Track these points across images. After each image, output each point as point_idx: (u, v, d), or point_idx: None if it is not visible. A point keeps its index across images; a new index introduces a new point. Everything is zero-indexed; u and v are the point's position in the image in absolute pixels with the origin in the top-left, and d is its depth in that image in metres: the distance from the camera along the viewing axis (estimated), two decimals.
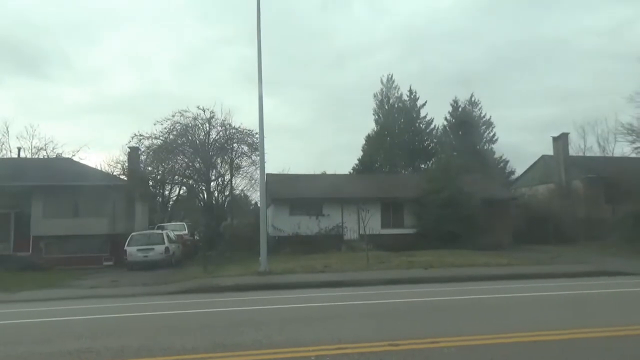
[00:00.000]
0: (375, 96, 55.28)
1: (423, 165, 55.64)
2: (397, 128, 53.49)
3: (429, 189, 28.01)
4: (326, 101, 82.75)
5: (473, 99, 55.24)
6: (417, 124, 54.65)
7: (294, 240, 26.45)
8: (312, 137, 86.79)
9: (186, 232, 27.42)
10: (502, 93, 76.89)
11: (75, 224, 24.96)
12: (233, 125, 25.87)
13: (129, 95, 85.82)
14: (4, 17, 79.75)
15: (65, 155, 34.25)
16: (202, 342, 6.43)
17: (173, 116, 24.92)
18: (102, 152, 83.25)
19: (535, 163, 35.75)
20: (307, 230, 27.01)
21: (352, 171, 52.25)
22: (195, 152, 25.63)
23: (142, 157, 26.97)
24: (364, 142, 54.50)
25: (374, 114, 55.03)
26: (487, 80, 78.37)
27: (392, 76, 54.99)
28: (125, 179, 27.32)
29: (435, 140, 55.32)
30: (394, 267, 17.95)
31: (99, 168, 33.01)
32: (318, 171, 47.76)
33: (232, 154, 26.62)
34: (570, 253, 22.74)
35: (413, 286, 13.30)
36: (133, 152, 27.22)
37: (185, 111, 25.00)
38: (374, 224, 28.38)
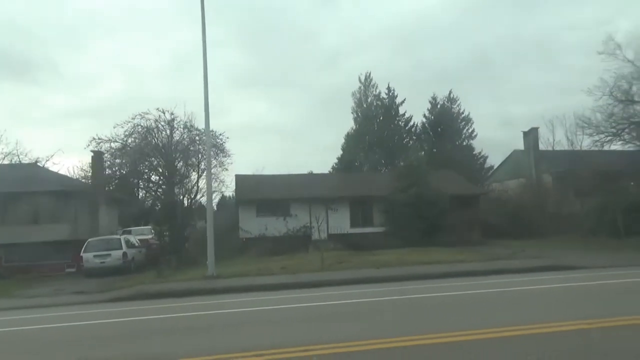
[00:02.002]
0: (353, 95, 55.06)
1: (402, 163, 55.59)
2: (375, 126, 53.30)
3: (396, 186, 27.74)
4: (315, 101, 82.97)
5: (452, 95, 55.15)
6: (396, 122, 54.49)
7: (261, 242, 26.12)
8: (302, 137, 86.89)
9: (152, 236, 26.97)
10: (483, 89, 77.02)
11: (35, 230, 24.42)
12: (196, 127, 25.47)
13: (114, 99, 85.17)
14: None
15: (41, 160, 33.66)
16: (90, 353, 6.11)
17: (133, 119, 24.50)
18: (80, 156, 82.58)
19: (507, 158, 35.63)
20: (275, 232, 26.68)
21: (331, 170, 52.08)
22: (158, 154, 25.19)
23: (107, 161, 26.46)
24: (343, 141, 54.45)
25: (352, 113, 54.83)
26: (467, 78, 78.37)
27: (369, 74, 54.79)
28: (90, 183, 26.75)
29: (414, 138, 55.22)
30: (351, 267, 17.64)
31: (71, 173, 32.47)
32: (305, 171, 47.58)
33: (198, 157, 26.20)
34: (534, 248, 22.53)
35: (361, 286, 13.02)
36: (97, 156, 26.72)
37: (146, 113, 24.59)
38: (342, 223, 28.25)
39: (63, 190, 24.80)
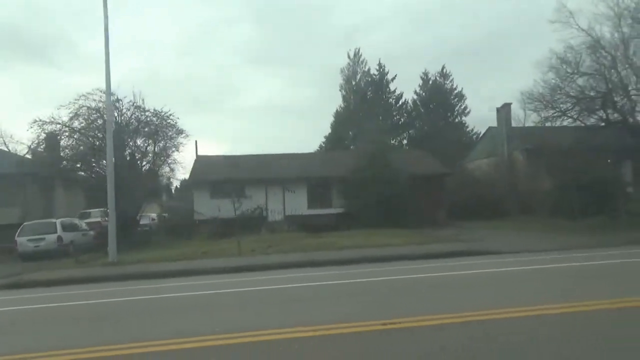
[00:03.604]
0: (342, 71, 53.75)
1: (393, 141, 54.33)
2: (365, 103, 52.02)
3: (355, 167, 26.85)
4: (326, 79, 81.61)
5: (445, 70, 53.48)
6: (386, 99, 53.14)
7: (214, 224, 25.63)
8: (315, 117, 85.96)
9: (102, 218, 26.65)
10: (480, 64, 74.67)
11: None
12: (145, 108, 24.91)
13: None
14: None
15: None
16: None
17: (77, 100, 24.00)
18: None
19: (483, 135, 34.24)
20: (228, 213, 26.13)
21: (319, 149, 51.20)
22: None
23: (61, 142, 26.15)
24: (332, 119, 53.35)
25: (340, 90, 53.59)
26: (463, 53, 75.80)
27: (359, 50, 53.31)
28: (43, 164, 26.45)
29: (405, 115, 53.87)
30: (278, 252, 17.01)
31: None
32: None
33: (154, 138, 25.73)
34: (484, 230, 21.72)
35: (275, 272, 12.47)
36: (50, 137, 26.35)
37: (90, 94, 24.06)
38: (300, 204, 27.58)
39: (11, 172, 24.59)
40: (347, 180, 26.58)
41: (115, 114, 24.53)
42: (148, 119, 25.60)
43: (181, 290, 10.19)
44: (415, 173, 27.23)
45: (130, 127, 25.34)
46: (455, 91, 52.81)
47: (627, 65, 18.42)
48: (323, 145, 51.50)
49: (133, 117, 25.24)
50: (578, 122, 20.74)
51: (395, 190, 25.26)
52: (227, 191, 26.53)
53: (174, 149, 26.61)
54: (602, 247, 15.04)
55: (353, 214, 26.26)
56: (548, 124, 22.58)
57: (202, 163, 28.77)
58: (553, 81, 19.76)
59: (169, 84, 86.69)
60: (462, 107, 52.78)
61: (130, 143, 25.30)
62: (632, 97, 18.92)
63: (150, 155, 26.53)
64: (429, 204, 27.20)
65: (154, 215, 33.47)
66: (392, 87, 53.36)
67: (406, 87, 71.20)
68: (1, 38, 79.26)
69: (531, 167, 26.69)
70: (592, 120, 20.68)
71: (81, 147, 25.37)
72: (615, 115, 19.61)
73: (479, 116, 73.54)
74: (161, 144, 27.00)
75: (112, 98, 23.53)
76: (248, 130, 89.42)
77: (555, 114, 21.30)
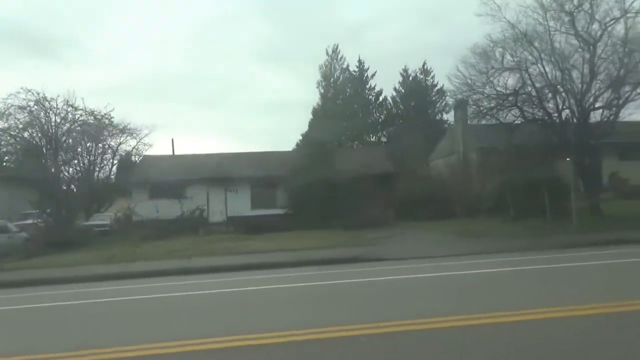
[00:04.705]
0: (320, 68, 52.73)
1: (373, 138, 53.30)
2: (343, 100, 51.05)
3: (298, 166, 26.04)
4: None
5: (425, 67, 52.30)
6: (365, 96, 52.11)
7: (151, 226, 24.97)
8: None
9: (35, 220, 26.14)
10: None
11: None
12: (76, 106, 24.33)
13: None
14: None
15: None
16: None
17: (6, 98, 23.51)
18: None
19: (444, 133, 33.12)
20: (168, 214, 25.49)
21: (296, 147, 50.35)
22: (42, 135, 24.22)
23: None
24: (311, 116, 52.43)
25: (317, 87, 52.62)
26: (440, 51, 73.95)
27: (337, 47, 52.25)
28: None
29: (385, 112, 52.81)
30: (173, 257, 16.22)
31: None
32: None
33: (82, 138, 25.19)
34: (419, 231, 20.79)
35: (129, 282, 11.73)
36: None
37: (19, 93, 23.56)
38: (243, 205, 26.85)
39: None
40: (288, 180, 25.80)
41: (46, 114, 24.05)
42: (82, 119, 25.07)
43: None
44: (364, 173, 26.32)
45: (63, 128, 24.78)
46: (436, 88, 51.59)
47: (552, 59, 17.34)
48: (300, 143, 50.63)
49: (68, 116, 24.69)
50: (509, 119, 19.51)
51: (335, 191, 24.44)
52: (168, 192, 25.91)
53: (119, 147, 26.10)
54: (520, 251, 13.99)
55: (295, 215, 25.49)
56: (476, 122, 21.50)
57: (149, 163, 28.13)
58: (473, 77, 18.66)
59: (174, 80, 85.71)
60: (443, 104, 51.48)
61: (64, 145, 24.72)
62: (562, 93, 17.83)
63: (86, 155, 26.03)
64: (378, 204, 26.30)
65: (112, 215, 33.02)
66: (372, 83, 52.29)
67: (387, 84, 68.89)
68: (7, 32, 78.89)
69: (482, 167, 25.65)
70: (510, 118, 19.52)
71: (18, 147, 24.96)
72: (541, 112, 18.52)
73: None
74: (102, 145, 26.54)
75: (39, 96, 23.18)
76: (252, 127, 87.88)
77: (477, 112, 20.26)
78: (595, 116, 18.64)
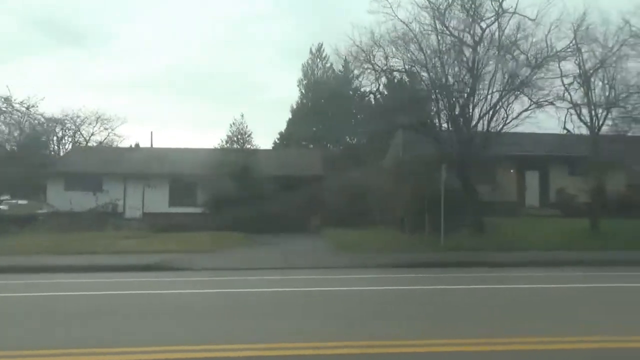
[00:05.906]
0: (302, 67, 51.43)
1: (355, 140, 51.64)
2: (324, 100, 49.63)
3: (218, 166, 24.99)
4: None
5: (411, 68, 50.25)
6: (348, 96, 50.54)
7: (61, 218, 24.31)
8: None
9: None
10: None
11: None
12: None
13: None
14: None
15: None
16: None
17: None
18: None
19: (394, 138, 31.19)
20: (80, 207, 24.77)
21: (273, 146, 49.31)
22: None
23: None
24: (290, 115, 51.19)
25: (298, 85, 51.33)
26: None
27: (321, 45, 50.88)
28: None
29: (368, 113, 51.09)
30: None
31: None
32: None
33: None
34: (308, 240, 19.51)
35: None
36: None
37: None
38: (161, 201, 25.97)
39: None
40: (207, 179, 24.80)
41: None
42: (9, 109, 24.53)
43: None
44: (288, 175, 25.12)
45: None
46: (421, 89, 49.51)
47: (441, 64, 15.69)
48: (277, 141, 49.60)
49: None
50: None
51: (250, 193, 23.30)
52: (85, 184, 25.24)
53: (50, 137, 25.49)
54: (347, 268, 12.77)
55: (212, 215, 24.49)
56: None
57: (75, 153, 27.55)
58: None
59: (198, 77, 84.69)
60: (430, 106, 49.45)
61: None
62: (454, 100, 16.11)
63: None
64: (302, 208, 25.05)
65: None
66: (355, 83, 50.59)
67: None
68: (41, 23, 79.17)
69: (394, 176, 24.15)
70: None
71: None
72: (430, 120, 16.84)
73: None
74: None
75: None
76: (252, 127, 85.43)
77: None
78: (484, 126, 16.87)
